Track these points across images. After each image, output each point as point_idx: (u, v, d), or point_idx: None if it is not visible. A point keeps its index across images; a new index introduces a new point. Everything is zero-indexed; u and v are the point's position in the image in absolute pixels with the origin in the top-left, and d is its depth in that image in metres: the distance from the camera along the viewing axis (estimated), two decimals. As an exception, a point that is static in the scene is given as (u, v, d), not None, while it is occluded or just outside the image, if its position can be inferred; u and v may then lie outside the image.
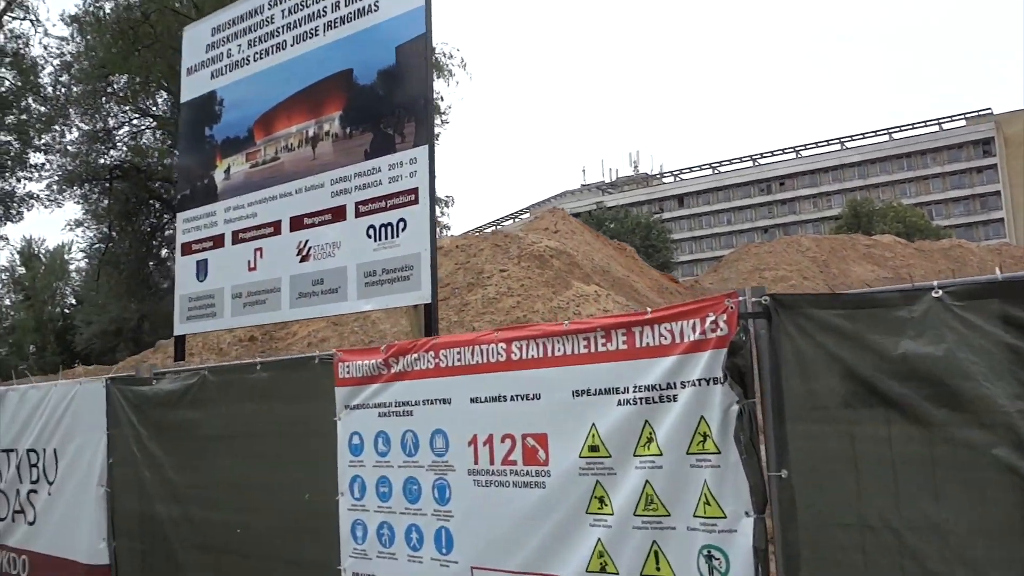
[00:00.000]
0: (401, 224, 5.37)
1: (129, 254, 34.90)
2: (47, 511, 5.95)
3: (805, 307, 2.70)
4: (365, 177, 5.61)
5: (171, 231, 37.43)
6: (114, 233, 34.73)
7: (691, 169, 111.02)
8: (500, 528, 3.48)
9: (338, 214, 5.75)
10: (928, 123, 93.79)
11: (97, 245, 36.36)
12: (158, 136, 34.41)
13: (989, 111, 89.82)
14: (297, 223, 5.99)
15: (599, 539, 3.16)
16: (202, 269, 6.61)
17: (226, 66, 6.72)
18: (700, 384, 2.93)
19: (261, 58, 6.47)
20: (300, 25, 6.20)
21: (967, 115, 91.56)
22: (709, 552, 2.86)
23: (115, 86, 31.87)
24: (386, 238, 5.43)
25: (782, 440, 2.73)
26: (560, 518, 3.29)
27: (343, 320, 12.39)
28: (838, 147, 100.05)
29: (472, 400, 3.65)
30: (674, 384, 3.00)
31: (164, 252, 39.14)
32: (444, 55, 30.30)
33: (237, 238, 6.38)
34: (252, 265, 6.22)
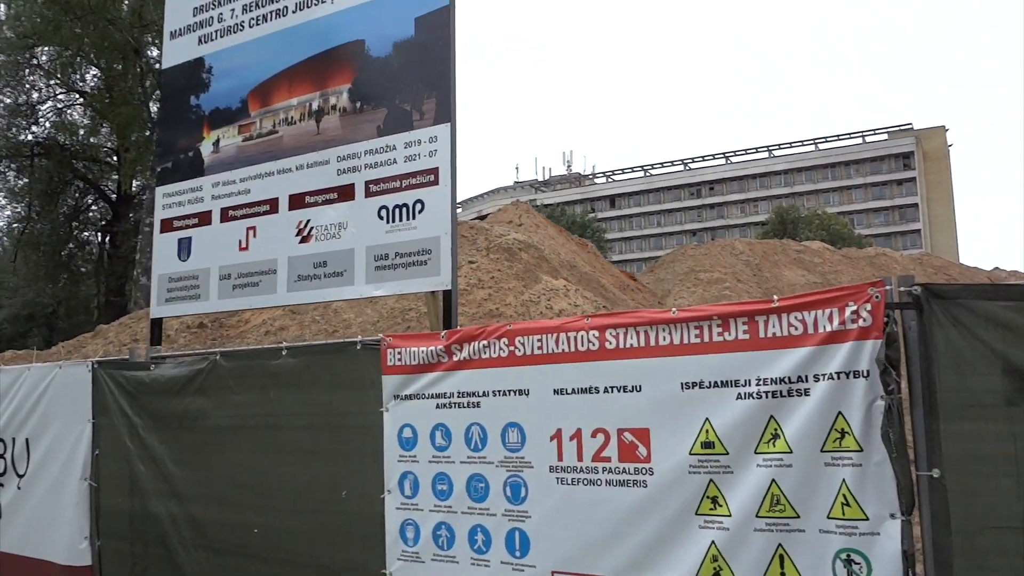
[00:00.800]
0: (418, 206, 5.07)
1: (50, 236, 33.23)
2: (15, 507, 5.40)
3: (965, 298, 2.57)
4: (377, 155, 5.29)
5: (95, 212, 35.71)
6: (34, 214, 33.00)
7: (623, 171, 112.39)
8: (589, 530, 3.24)
9: (345, 193, 5.40)
10: (852, 135, 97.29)
11: (16, 225, 34.45)
12: (85, 113, 32.80)
13: (910, 126, 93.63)
14: (297, 201, 5.61)
15: (712, 542, 2.96)
16: (184, 248, 6.15)
17: (216, 31, 6.27)
18: (838, 378, 2.76)
19: (257, 24, 6.05)
20: (304, -10, 5.80)
21: (889, 129, 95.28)
22: (848, 556, 2.70)
23: (40, 59, 30.20)
24: (400, 220, 5.12)
25: (934, 438, 2.59)
26: (665, 519, 3.08)
27: (300, 308, 11.90)
28: (766, 155, 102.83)
29: (556, 391, 3.40)
30: (805, 377, 2.83)
31: (86, 234, 37.33)
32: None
33: (227, 215, 5.96)
34: (243, 245, 5.81)
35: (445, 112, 5.08)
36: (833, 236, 65.13)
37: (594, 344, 3.31)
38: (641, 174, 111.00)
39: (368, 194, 5.28)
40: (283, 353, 4.30)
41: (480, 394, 3.63)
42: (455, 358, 3.73)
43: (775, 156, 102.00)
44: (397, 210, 5.14)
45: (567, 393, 3.37)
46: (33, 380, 5.40)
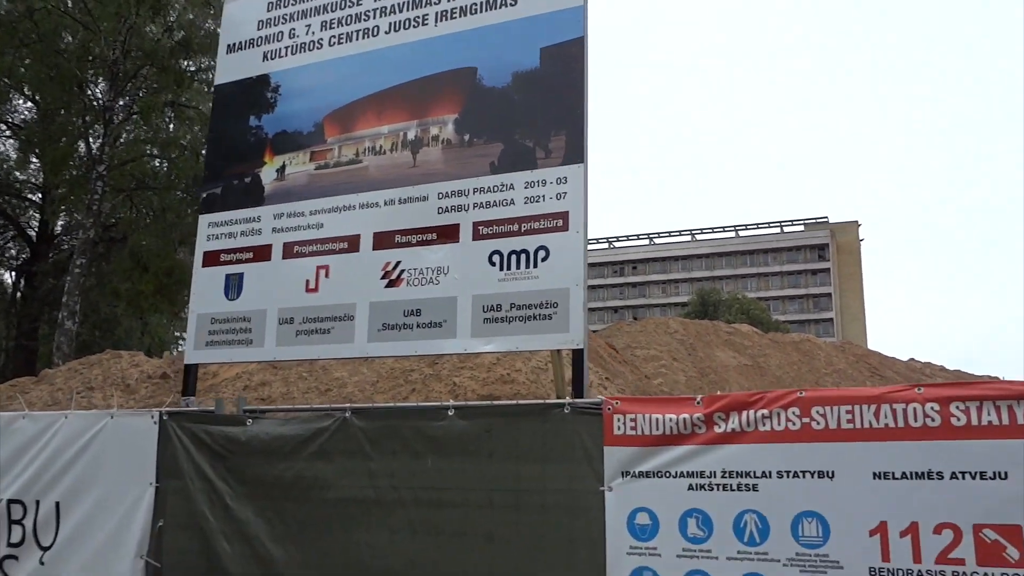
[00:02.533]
0: (541, 252, 4.49)
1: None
2: (33, 588, 4.36)
3: None
4: (490, 194, 4.71)
5: (14, 249, 33.33)
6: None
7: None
8: None
9: (447, 234, 4.78)
10: (771, 224, 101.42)
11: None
12: (14, 146, 30.85)
13: (825, 219, 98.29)
14: (384, 240, 4.94)
15: None
16: (234, 285, 5.35)
17: (287, 48, 5.62)
18: None
19: (339, 43, 5.44)
20: (400, 11, 5.26)
21: (806, 221, 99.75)
22: None
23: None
24: (518, 267, 4.52)
25: None
26: None
27: (283, 364, 10.91)
28: (688, 238, 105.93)
29: (877, 475, 2.82)
30: None
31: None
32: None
33: (291, 251, 5.22)
34: (312, 285, 5.07)
35: (577, 151, 4.56)
36: (752, 320, 67.02)
37: (933, 419, 2.77)
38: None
39: (477, 236, 4.68)
40: (449, 413, 3.58)
41: (757, 475, 3.01)
42: (718, 429, 3.11)
43: (697, 240, 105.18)
44: (514, 256, 4.55)
45: (894, 478, 2.80)
46: (72, 430, 4.41)
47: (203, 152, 26.52)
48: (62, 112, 27.94)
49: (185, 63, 26.38)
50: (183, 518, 4.10)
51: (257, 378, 10.76)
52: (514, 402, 3.56)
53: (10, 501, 4.57)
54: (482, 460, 3.49)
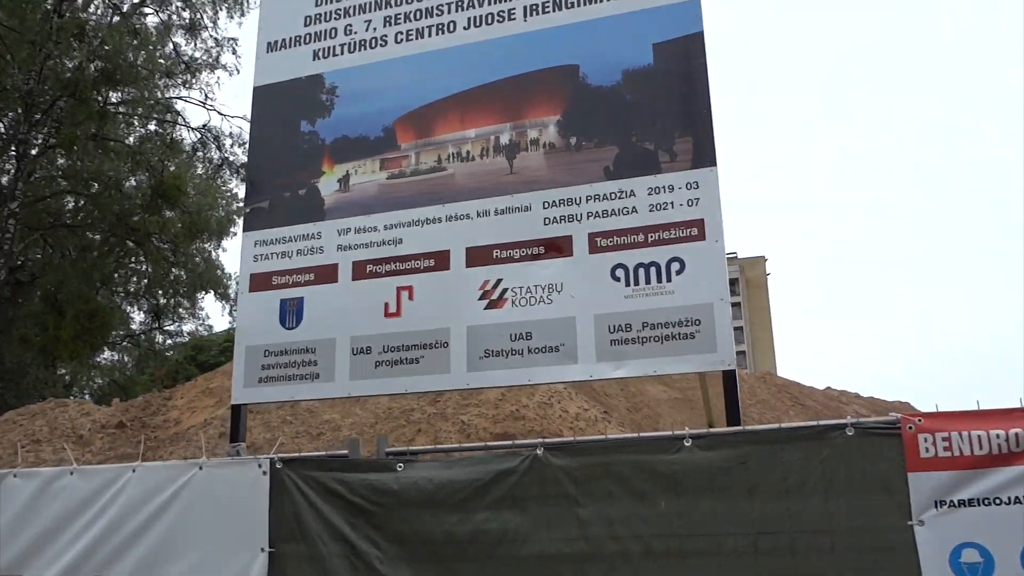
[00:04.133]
0: (675, 265, 4.02)
1: None
2: None
3: None
4: (607, 202, 4.23)
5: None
6: None
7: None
8: None
9: (557, 247, 4.26)
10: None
11: None
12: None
13: (734, 255, 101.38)
14: (480, 256, 4.38)
15: None
16: (293, 312, 4.65)
17: (343, 45, 5.02)
18: None
19: (407, 40, 4.89)
20: (480, 5, 4.76)
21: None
22: None
23: None
24: (647, 282, 4.04)
25: None
26: None
27: (262, 408, 9.96)
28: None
29: None
30: None
31: None
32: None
33: (364, 271, 4.57)
34: (393, 309, 4.44)
35: (707, 154, 4.14)
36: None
37: None
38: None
39: (594, 249, 4.18)
40: (686, 443, 2.99)
41: None
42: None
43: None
44: (642, 270, 4.07)
45: None
46: (144, 487, 3.54)
47: (126, 188, 25.04)
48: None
49: (107, 94, 24.96)
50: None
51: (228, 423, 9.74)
52: (775, 426, 3.01)
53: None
54: (740, 498, 2.93)
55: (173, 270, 24.11)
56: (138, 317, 28.97)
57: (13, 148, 23.22)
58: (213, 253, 28.90)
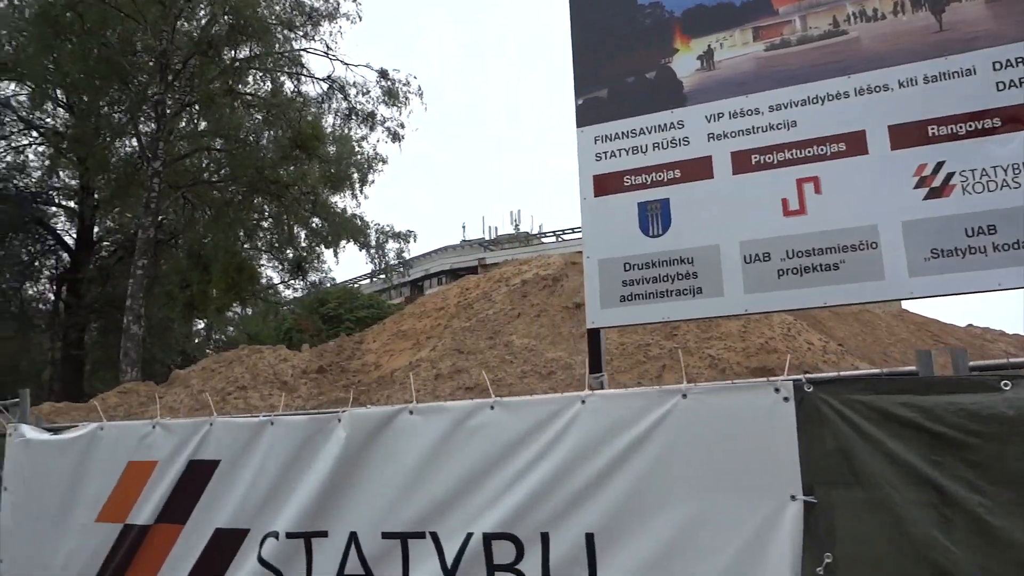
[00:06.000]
0: None
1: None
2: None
3: None
4: (1091, 56, 3.31)
5: (51, 260, 31.77)
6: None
7: (573, 230, 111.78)
8: None
9: (1016, 118, 3.38)
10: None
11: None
12: (45, 153, 29.27)
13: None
14: (910, 135, 3.53)
15: None
16: (655, 216, 3.95)
17: (685, -102, 4.21)
18: None
19: None
20: None
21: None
22: None
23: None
24: None
25: None
26: None
27: (467, 345, 9.46)
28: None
29: None
30: None
31: (38, 286, 33.14)
32: (400, 82, 27.34)
33: (748, 162, 3.81)
34: (795, 206, 3.67)
35: None
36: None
37: None
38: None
39: (1076, 116, 3.28)
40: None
41: None
42: None
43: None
44: None
45: None
46: (606, 422, 2.87)
47: (263, 142, 25.07)
48: (104, 109, 26.47)
49: (237, 50, 24.95)
50: (881, 548, 2.60)
51: (445, 364, 9.27)
52: None
53: (490, 537, 2.96)
54: None
55: (314, 220, 24.18)
56: (268, 271, 29.30)
57: (152, 110, 23.49)
58: (350, 203, 28.87)
